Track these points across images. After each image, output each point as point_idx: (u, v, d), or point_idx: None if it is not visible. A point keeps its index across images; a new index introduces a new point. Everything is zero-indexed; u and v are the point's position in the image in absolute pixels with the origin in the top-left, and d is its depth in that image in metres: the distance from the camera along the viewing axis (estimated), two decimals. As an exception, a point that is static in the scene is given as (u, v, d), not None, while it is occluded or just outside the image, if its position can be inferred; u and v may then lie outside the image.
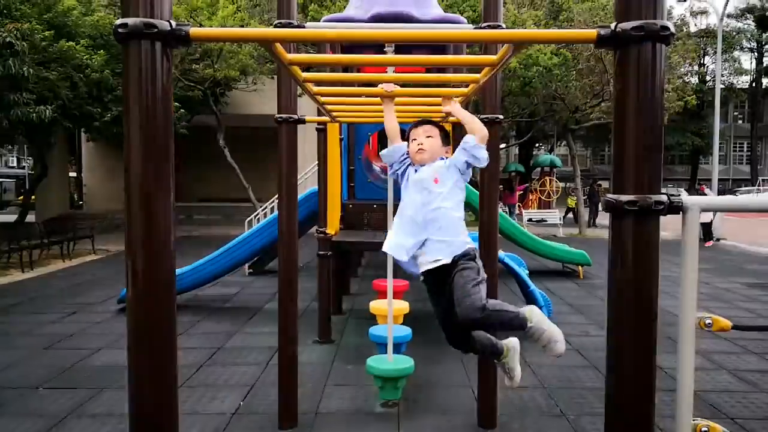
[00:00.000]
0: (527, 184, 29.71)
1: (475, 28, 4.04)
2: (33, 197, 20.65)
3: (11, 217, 21.15)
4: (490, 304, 2.66)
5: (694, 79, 46.73)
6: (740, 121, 56.73)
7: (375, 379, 4.90)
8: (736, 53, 52.36)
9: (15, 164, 53.10)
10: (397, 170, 3.02)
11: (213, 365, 6.09)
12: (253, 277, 11.68)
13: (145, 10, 1.73)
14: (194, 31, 1.78)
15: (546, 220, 22.06)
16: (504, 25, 4.00)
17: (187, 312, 8.46)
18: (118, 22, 1.73)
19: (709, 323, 1.86)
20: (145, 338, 1.87)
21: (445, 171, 2.85)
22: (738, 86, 53.05)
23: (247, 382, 5.57)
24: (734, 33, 51.19)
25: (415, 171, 2.93)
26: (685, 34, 27.84)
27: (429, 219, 2.77)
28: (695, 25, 48.13)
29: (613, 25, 1.81)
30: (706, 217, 17.36)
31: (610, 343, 1.86)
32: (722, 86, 47.20)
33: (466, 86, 3.04)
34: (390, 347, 4.92)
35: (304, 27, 3.36)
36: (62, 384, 5.52)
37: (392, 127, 3.02)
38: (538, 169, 32.13)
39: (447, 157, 2.94)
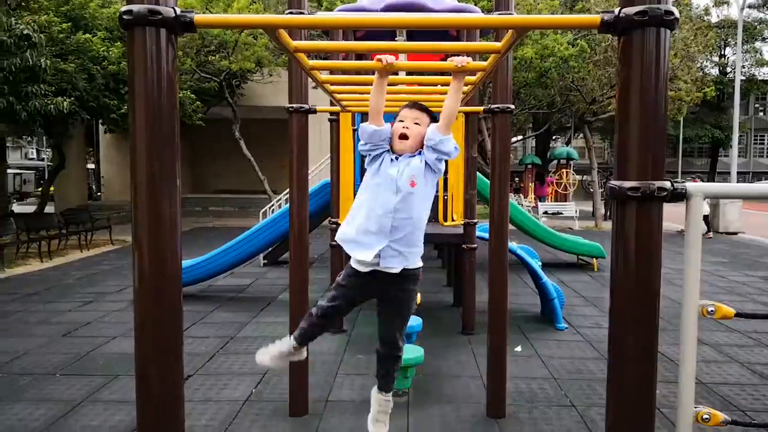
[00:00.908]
0: (553, 177, 29.49)
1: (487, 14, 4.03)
2: (52, 188, 20.91)
3: (31, 208, 21.45)
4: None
5: (715, 71, 46.15)
6: (761, 114, 55.89)
7: (385, 368, 4.92)
8: (757, 44, 51.55)
9: (35, 156, 53.76)
10: (370, 150, 2.73)
11: (226, 354, 6.15)
12: (267, 267, 11.75)
13: (150, -4, 1.74)
14: (199, 17, 1.80)
15: (562, 213, 21.93)
16: (515, 14, 3.99)
17: (201, 302, 8.54)
18: (123, 9, 1.75)
19: (712, 311, 1.85)
20: (151, 328, 1.90)
21: (421, 171, 2.66)
22: (759, 77, 52.21)
23: (259, 370, 5.61)
24: (756, 23, 50.38)
25: (392, 161, 2.69)
26: (705, 25, 27.43)
27: (396, 226, 2.63)
28: (717, 15, 47.45)
29: (616, 10, 1.80)
30: (705, 209, 17.28)
31: (612, 329, 1.87)
32: (743, 77, 46.60)
33: (474, 75, 3.02)
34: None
35: (303, 14, 3.38)
36: (78, 371, 5.61)
37: (378, 105, 2.67)
38: (555, 161, 31.93)
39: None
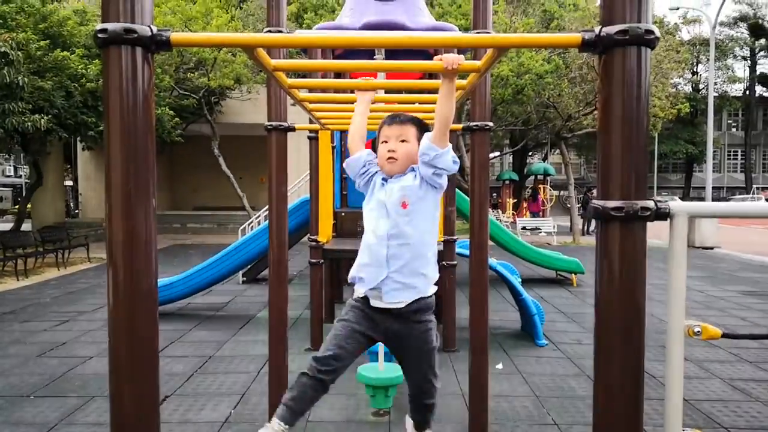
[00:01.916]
0: (540, 193, 29.66)
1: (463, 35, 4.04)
2: (29, 206, 20.60)
3: (7, 225, 21.08)
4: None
5: (688, 87, 47.02)
6: (734, 129, 57.04)
7: (366, 387, 4.87)
8: (729, 61, 52.76)
9: (12, 173, 53.03)
10: (359, 183, 2.59)
11: (204, 374, 6.05)
12: (246, 285, 11.63)
13: (125, 15, 1.71)
14: (175, 36, 1.76)
15: (540, 229, 22.05)
16: (492, 32, 4.01)
17: (179, 320, 8.42)
18: (98, 27, 1.71)
19: (698, 331, 1.84)
20: (125, 345, 1.84)
21: (416, 190, 2.44)
22: (732, 94, 53.36)
23: (238, 390, 5.53)
24: (727, 41, 51.55)
25: (382, 184, 2.51)
26: (678, 43, 27.95)
27: (392, 255, 2.41)
28: (688, 32, 48.44)
29: (597, 29, 1.80)
30: None
31: (598, 348, 1.84)
32: (716, 94, 47.51)
33: (465, 78, 2.99)
34: (381, 356, 4.89)
35: (281, 32, 3.36)
36: (53, 393, 5.47)
37: (359, 127, 2.54)
38: (532, 177, 32.22)
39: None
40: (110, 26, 1.69)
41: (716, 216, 1.78)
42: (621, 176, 1.78)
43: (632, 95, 1.77)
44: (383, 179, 2.51)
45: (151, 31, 1.73)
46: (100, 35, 1.70)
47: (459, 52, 6.17)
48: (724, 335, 1.84)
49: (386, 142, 2.49)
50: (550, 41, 1.90)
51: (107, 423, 4.88)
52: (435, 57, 2.22)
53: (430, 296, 2.53)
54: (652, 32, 1.74)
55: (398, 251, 2.41)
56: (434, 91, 2.44)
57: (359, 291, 2.51)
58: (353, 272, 2.53)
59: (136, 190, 1.78)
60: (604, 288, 1.78)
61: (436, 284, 2.62)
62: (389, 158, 2.47)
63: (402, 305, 2.44)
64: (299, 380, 2.49)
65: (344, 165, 2.61)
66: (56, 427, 4.69)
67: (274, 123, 4.12)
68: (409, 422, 2.88)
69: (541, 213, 27.42)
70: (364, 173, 2.53)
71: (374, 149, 2.61)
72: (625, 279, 1.76)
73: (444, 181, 2.48)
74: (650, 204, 1.75)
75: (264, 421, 4.54)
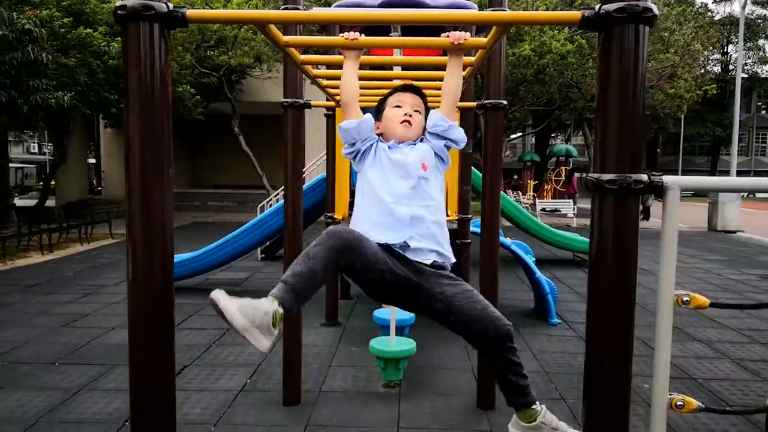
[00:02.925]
0: (578, 174, 28.96)
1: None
2: (53, 182, 20.98)
3: (32, 202, 21.53)
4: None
5: (717, 68, 46.15)
6: (764, 112, 55.87)
7: (377, 360, 4.99)
8: (760, 41, 51.55)
9: (36, 150, 53.86)
10: (359, 148, 2.41)
11: (221, 345, 6.22)
12: (264, 262, 11.82)
13: (143, -9, 1.80)
14: (191, 12, 1.85)
15: (560, 210, 21.97)
16: (507, 9, 4.04)
17: (197, 295, 8.59)
18: (118, 4, 1.81)
19: (687, 300, 1.91)
20: (144, 319, 1.98)
21: (432, 157, 2.36)
22: (762, 75, 52.19)
23: (253, 361, 5.69)
24: (759, 20, 50.32)
25: (389, 148, 2.36)
26: (707, 22, 27.44)
27: (416, 216, 2.25)
28: (719, 12, 47.47)
29: (597, 7, 1.85)
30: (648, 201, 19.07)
31: (589, 319, 1.92)
32: (746, 75, 46.59)
33: (472, 54, 3.05)
34: (392, 329, 5.00)
35: (297, 8, 3.43)
36: (76, 360, 5.68)
37: (351, 88, 2.35)
38: (554, 158, 32.01)
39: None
40: (129, 2, 1.79)
41: (708, 189, 1.84)
42: (617, 151, 1.84)
43: (629, 72, 1.82)
44: (392, 144, 2.38)
45: (168, 7, 1.82)
46: (119, 11, 1.80)
47: (478, 30, 6.21)
48: (712, 304, 1.90)
49: (400, 107, 2.41)
50: (552, 18, 1.95)
51: (128, 389, 5.08)
52: (443, 34, 2.24)
53: (450, 263, 2.35)
54: (649, 10, 1.79)
55: (420, 212, 2.25)
56: (439, 67, 2.51)
57: (381, 237, 2.21)
58: (366, 227, 2.25)
59: (153, 163, 1.89)
60: (598, 256, 1.85)
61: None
62: (405, 121, 2.37)
63: (428, 261, 2.26)
64: (307, 257, 2.00)
65: (344, 126, 2.43)
66: (80, 392, 4.88)
67: (290, 99, 4.21)
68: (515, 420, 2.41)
69: (577, 195, 26.89)
70: (368, 138, 2.40)
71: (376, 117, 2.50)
72: (618, 248, 1.82)
73: (449, 159, 2.45)
74: (643, 177, 1.81)
75: (278, 391, 4.71)
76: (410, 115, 2.38)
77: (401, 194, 2.26)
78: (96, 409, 4.55)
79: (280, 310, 1.90)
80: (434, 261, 2.27)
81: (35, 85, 12.60)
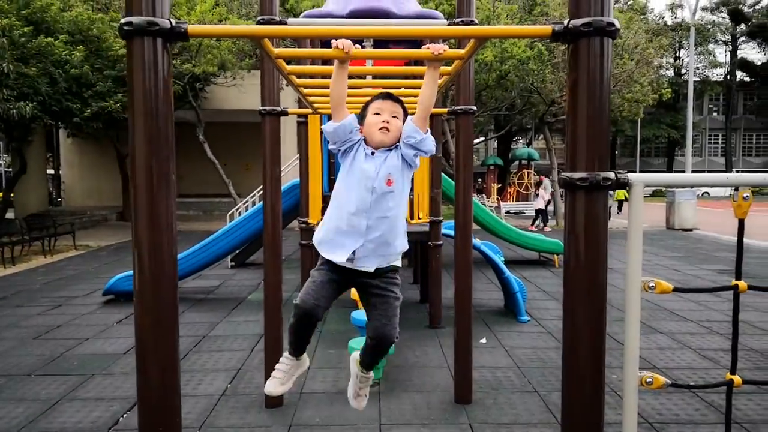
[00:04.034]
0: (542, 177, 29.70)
1: (449, 24, 4.27)
2: (12, 194, 20.55)
3: (-11, 214, 21.03)
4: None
5: (670, 72, 47.55)
6: (715, 114, 57.68)
7: (357, 360, 5.12)
8: (710, 46, 53.33)
9: (-10, 162, 52.39)
10: (340, 147, 2.61)
11: (199, 352, 6.27)
12: (235, 269, 11.84)
13: (147, 9, 1.92)
14: (192, 28, 1.98)
15: (524, 212, 22.40)
16: (476, 20, 4.23)
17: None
18: (123, 20, 1.92)
19: (653, 286, 2.10)
20: (151, 322, 2.08)
21: (398, 168, 2.57)
22: (713, 79, 53.98)
23: (233, 366, 5.77)
24: (709, 26, 52.05)
25: (366, 156, 2.57)
26: (662, 26, 28.33)
27: (371, 225, 2.54)
28: (671, 18, 48.93)
29: (566, 22, 2.04)
30: (541, 204, 19.90)
31: (565, 298, 2.10)
32: (697, 79, 48.08)
33: (450, 64, 3.21)
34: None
35: (287, 23, 3.56)
36: (53, 371, 5.67)
37: (339, 93, 2.51)
38: (517, 162, 32.58)
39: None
40: (135, 20, 1.90)
41: (669, 185, 2.04)
42: (586, 151, 2.03)
43: (596, 79, 2.01)
44: (368, 152, 2.57)
45: (171, 23, 1.94)
46: (125, 27, 1.92)
47: (444, 39, 6.40)
48: (676, 289, 2.10)
49: (379, 114, 2.57)
50: (525, 32, 2.13)
51: (109, 397, 5.13)
52: (423, 46, 2.44)
53: (394, 267, 2.68)
54: (612, 24, 1.98)
55: (377, 223, 2.54)
56: (419, 76, 2.65)
57: (331, 255, 2.60)
58: (322, 235, 2.64)
59: (158, 169, 2.00)
60: (571, 248, 2.03)
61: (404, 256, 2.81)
62: (383, 128, 2.54)
63: (370, 269, 2.58)
64: (293, 321, 2.65)
65: (326, 128, 2.60)
66: (60, 402, 4.90)
67: (267, 108, 4.33)
68: (355, 357, 3.00)
69: (497, 199, 27.68)
70: (346, 140, 2.57)
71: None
72: (589, 239, 2.01)
73: (419, 162, 2.65)
74: (611, 175, 2.00)
75: (260, 394, 4.80)
76: (388, 122, 2.55)
77: (363, 207, 2.54)
78: (78, 418, 4.58)
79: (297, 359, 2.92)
80: (377, 268, 2.61)
81: (-4, 95, 12.41)
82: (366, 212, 2.53)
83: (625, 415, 2.16)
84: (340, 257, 2.56)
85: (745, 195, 2.10)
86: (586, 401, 2.11)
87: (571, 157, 2.07)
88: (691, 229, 19.59)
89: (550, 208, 21.46)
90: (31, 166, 20.22)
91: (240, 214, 13.12)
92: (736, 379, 2.23)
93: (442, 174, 8.28)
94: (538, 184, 23.55)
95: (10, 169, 23.24)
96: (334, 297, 2.69)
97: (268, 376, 4.71)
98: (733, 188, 2.15)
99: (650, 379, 2.14)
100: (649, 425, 4.41)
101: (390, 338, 2.70)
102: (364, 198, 2.53)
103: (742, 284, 2.17)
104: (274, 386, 2.88)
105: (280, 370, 2.87)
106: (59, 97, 14.99)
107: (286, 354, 2.88)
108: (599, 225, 2.03)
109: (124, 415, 4.61)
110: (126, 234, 17.18)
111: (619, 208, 26.98)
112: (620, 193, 27.44)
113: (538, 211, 19.95)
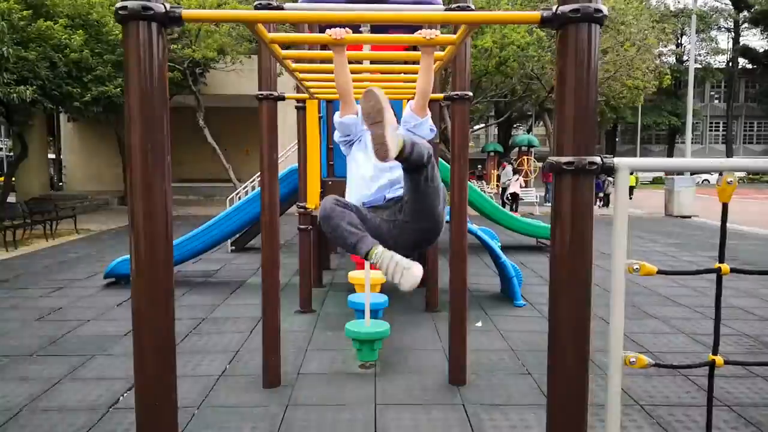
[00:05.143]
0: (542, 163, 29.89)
1: (446, 10, 4.29)
2: (13, 178, 20.60)
3: (-11, 198, 21.11)
4: None
5: (671, 59, 47.36)
6: (716, 101, 57.48)
7: (353, 342, 5.20)
8: (713, 33, 53.04)
9: (-9, 146, 52.44)
10: (351, 139, 2.83)
11: (199, 334, 6.35)
12: (235, 254, 11.91)
13: (142, -7, 1.96)
14: (186, 12, 2.02)
15: (523, 198, 22.42)
16: (473, 6, 4.26)
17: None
18: (119, 5, 1.96)
19: (637, 268, 2.15)
20: (147, 306, 2.14)
21: None
22: (715, 66, 53.71)
23: (232, 348, 5.85)
24: (711, 12, 51.74)
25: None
26: (662, 14, 28.19)
27: (392, 180, 2.75)
28: (674, 4, 48.64)
29: (554, 8, 2.08)
30: (515, 188, 20.41)
31: (552, 279, 2.15)
32: (699, 66, 47.88)
33: (444, 49, 3.25)
34: (367, 311, 5.21)
35: (283, 8, 3.58)
36: (54, 352, 5.75)
37: (344, 81, 2.58)
38: (516, 148, 32.56)
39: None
40: (129, 4, 1.94)
41: (655, 170, 2.08)
42: (573, 136, 2.07)
43: (583, 65, 2.05)
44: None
45: (165, 8, 1.98)
46: (120, 11, 1.95)
47: (442, 25, 6.41)
48: (659, 272, 2.15)
49: (372, 129, 2.60)
50: (514, 18, 2.17)
51: (109, 377, 5.21)
52: (416, 32, 2.49)
53: None
54: (600, 11, 2.02)
55: (393, 177, 2.74)
56: (417, 61, 2.73)
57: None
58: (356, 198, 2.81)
59: (153, 152, 2.05)
60: (558, 229, 2.09)
61: None
62: (382, 146, 2.45)
63: (399, 194, 2.73)
64: (336, 229, 2.54)
65: (336, 121, 2.76)
66: (61, 382, 4.98)
67: (264, 92, 4.37)
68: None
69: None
70: (352, 134, 2.77)
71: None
72: (575, 222, 2.06)
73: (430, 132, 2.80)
74: (597, 159, 2.05)
75: (258, 375, 4.88)
76: (382, 144, 2.40)
77: (380, 168, 2.71)
78: (79, 397, 4.66)
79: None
80: (399, 195, 2.75)
81: (-4, 79, 12.42)
82: (383, 172, 2.73)
83: (609, 394, 2.22)
84: (374, 201, 2.73)
85: (729, 180, 2.15)
86: (572, 383, 2.17)
87: (558, 141, 2.11)
88: (689, 216, 19.63)
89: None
90: (32, 150, 20.25)
91: (240, 198, 13.18)
92: (718, 359, 2.28)
93: (441, 160, 8.31)
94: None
95: (12, 153, 23.24)
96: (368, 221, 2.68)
97: (266, 358, 4.82)
98: (719, 173, 2.20)
99: (634, 359, 2.19)
100: (639, 407, 4.48)
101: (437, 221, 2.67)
102: (377, 165, 2.70)
103: (725, 267, 2.22)
104: (408, 278, 2.45)
105: (395, 267, 2.45)
106: (59, 81, 14.99)
107: (377, 255, 2.48)
108: (585, 208, 2.07)
109: (124, 394, 4.69)
110: (127, 218, 17.30)
111: (630, 193, 27.13)
112: (631, 179, 27.64)
113: (514, 196, 20.41)
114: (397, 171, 2.73)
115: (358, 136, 2.78)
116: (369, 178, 2.76)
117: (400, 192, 2.78)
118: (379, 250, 2.47)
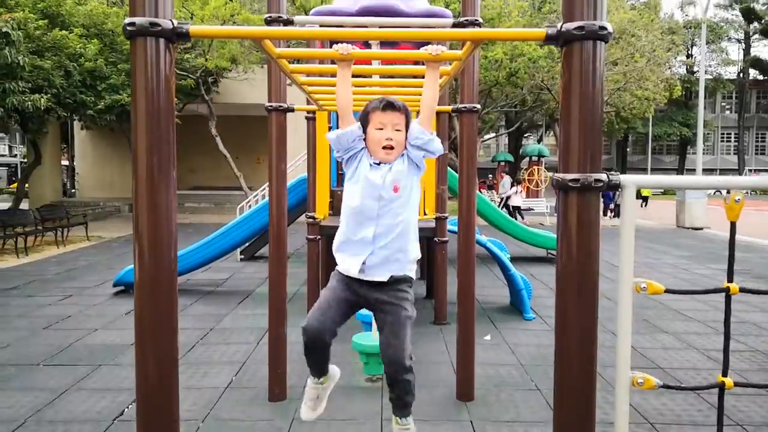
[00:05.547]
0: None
1: (454, 25, 4.30)
2: (26, 185, 20.79)
3: (4, 205, 21.29)
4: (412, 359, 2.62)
5: (682, 70, 47.21)
6: (728, 112, 57.20)
7: (360, 355, 5.17)
8: (723, 44, 52.85)
9: (6, 152, 53.06)
10: (344, 156, 2.59)
11: (206, 344, 6.35)
12: (244, 262, 11.93)
13: (150, 10, 1.97)
14: (193, 29, 2.03)
15: (533, 209, 22.37)
16: (481, 19, 4.26)
17: (179, 296, 8.69)
18: (127, 21, 1.97)
19: (644, 287, 2.13)
20: (150, 317, 2.15)
21: (405, 174, 2.55)
22: (725, 77, 53.48)
23: (239, 359, 5.84)
24: (722, 24, 51.58)
25: (371, 166, 2.55)
26: (671, 26, 28.16)
27: (380, 233, 2.53)
28: (684, 16, 48.52)
29: (559, 26, 2.07)
30: (517, 201, 20.93)
31: (557, 305, 2.13)
32: (709, 77, 47.66)
33: (449, 65, 3.25)
34: (375, 324, 5.17)
35: (293, 22, 3.59)
36: (61, 361, 5.76)
37: (345, 99, 2.48)
38: (527, 158, 32.46)
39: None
40: (138, 20, 1.96)
41: (660, 187, 2.06)
42: (578, 152, 2.06)
43: (588, 82, 2.04)
44: (373, 162, 2.55)
45: (173, 24, 1.99)
46: (128, 27, 1.97)
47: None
48: (667, 290, 2.12)
49: (382, 129, 2.52)
50: (520, 35, 2.16)
51: (115, 388, 5.20)
52: (422, 48, 2.46)
53: (407, 276, 2.63)
54: (605, 28, 2.01)
55: (386, 231, 2.53)
56: (419, 76, 2.71)
57: (344, 266, 2.62)
58: (337, 245, 2.66)
59: (158, 165, 2.06)
60: (564, 247, 2.07)
61: (418, 262, 2.75)
62: (388, 146, 2.52)
63: (384, 279, 2.56)
64: (306, 346, 2.66)
65: (330, 136, 2.59)
66: (67, 392, 4.98)
67: (274, 104, 4.37)
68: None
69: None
70: (350, 149, 2.56)
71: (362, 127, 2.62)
72: (581, 240, 2.04)
73: (425, 165, 2.64)
74: (603, 176, 2.03)
75: (264, 387, 4.87)
76: (392, 139, 2.51)
77: (371, 215, 2.53)
78: (84, 408, 4.66)
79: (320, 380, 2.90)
80: (390, 276, 2.58)
81: (11, 87, 12.57)
82: (374, 220, 2.52)
83: (617, 414, 2.19)
84: (352, 269, 2.56)
85: (737, 198, 2.13)
86: (579, 401, 2.14)
87: (563, 158, 2.10)
88: (701, 228, 19.48)
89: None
90: (45, 157, 20.45)
91: (250, 206, 13.22)
92: (728, 381, 2.26)
93: (450, 169, 8.30)
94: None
95: (26, 160, 23.46)
96: (344, 318, 2.66)
97: (272, 370, 4.81)
98: (726, 191, 2.18)
99: (641, 380, 2.16)
100: (650, 425, 4.43)
101: (399, 361, 2.58)
102: (372, 207, 2.52)
103: (734, 287, 2.20)
104: (306, 412, 2.98)
105: (308, 398, 2.94)
106: (73, 89, 15.17)
107: (309, 379, 2.90)
108: (591, 225, 2.06)
109: (129, 406, 4.69)
110: (137, 226, 17.40)
111: (645, 202, 28.51)
112: (646, 190, 27.87)
113: (516, 208, 20.64)
114: (391, 224, 2.55)
115: (352, 153, 2.58)
116: (358, 222, 2.58)
117: (387, 274, 2.58)
118: (320, 380, 2.89)
